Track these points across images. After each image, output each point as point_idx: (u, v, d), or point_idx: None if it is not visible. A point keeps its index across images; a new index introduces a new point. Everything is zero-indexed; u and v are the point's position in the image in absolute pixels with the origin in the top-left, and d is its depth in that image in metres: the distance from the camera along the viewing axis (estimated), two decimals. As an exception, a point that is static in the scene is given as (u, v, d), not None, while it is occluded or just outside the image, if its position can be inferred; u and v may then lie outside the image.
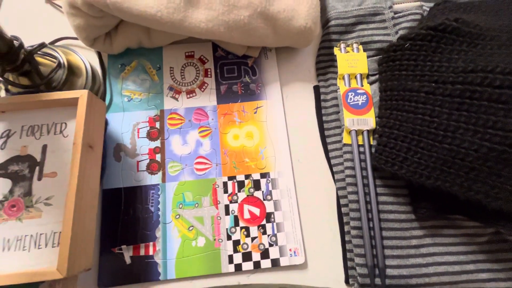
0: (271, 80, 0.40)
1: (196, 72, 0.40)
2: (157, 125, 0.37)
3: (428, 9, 0.38)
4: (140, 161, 0.36)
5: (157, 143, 0.37)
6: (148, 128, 0.37)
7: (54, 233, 0.26)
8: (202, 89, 0.39)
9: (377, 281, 0.31)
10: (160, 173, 0.35)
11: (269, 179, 0.36)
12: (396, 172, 0.31)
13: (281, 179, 0.36)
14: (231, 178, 0.36)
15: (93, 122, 0.29)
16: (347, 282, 0.33)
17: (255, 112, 0.38)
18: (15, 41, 0.30)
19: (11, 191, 0.27)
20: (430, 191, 0.31)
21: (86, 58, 0.39)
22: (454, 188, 0.28)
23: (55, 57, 0.35)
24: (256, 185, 0.35)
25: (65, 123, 0.29)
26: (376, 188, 0.34)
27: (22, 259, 0.25)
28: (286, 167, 0.36)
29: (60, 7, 0.42)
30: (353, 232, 0.32)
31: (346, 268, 0.33)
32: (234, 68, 0.40)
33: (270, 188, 0.35)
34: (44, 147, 0.29)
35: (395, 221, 0.33)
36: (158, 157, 0.36)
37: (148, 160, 0.36)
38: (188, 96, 0.39)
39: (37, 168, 0.28)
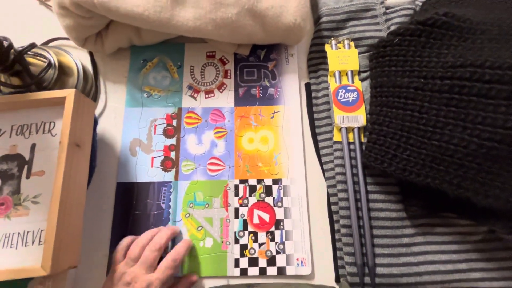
0: (290, 86, 0.39)
1: (216, 73, 0.40)
2: (174, 123, 0.37)
3: (421, 3, 0.38)
4: (155, 157, 0.36)
5: (173, 141, 0.37)
6: (165, 125, 0.37)
7: (41, 230, 0.26)
8: (221, 90, 0.39)
9: (367, 280, 0.31)
10: (173, 171, 0.36)
11: (281, 185, 0.35)
12: (385, 169, 0.31)
13: (293, 187, 0.35)
14: (243, 181, 0.35)
15: (81, 121, 0.29)
16: (337, 281, 0.32)
17: (272, 117, 0.38)
18: (4, 42, 0.30)
19: (0, 190, 0.28)
20: (421, 189, 0.30)
21: (80, 59, 0.39)
22: (444, 185, 0.27)
23: (46, 57, 0.35)
24: (268, 190, 0.35)
25: (54, 122, 0.30)
26: (366, 186, 0.34)
27: (9, 256, 0.25)
28: (299, 175, 0.36)
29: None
30: (343, 230, 0.32)
31: (336, 266, 0.33)
32: (254, 71, 0.40)
33: (281, 195, 0.35)
34: (33, 146, 0.29)
35: (386, 219, 0.33)
36: (172, 154, 0.36)
37: (163, 157, 0.36)
38: (207, 96, 0.39)
39: (26, 166, 0.28)
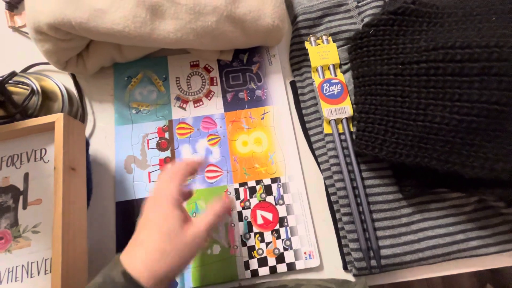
0: (276, 86, 0.40)
1: (202, 81, 0.40)
2: (166, 135, 0.38)
3: (389, -6, 0.40)
4: (151, 172, 0.36)
5: (167, 153, 0.37)
6: (158, 138, 0.37)
7: (45, 259, 0.26)
8: (209, 98, 0.39)
9: (373, 262, 0.32)
10: None
11: (280, 183, 0.36)
12: (377, 154, 0.32)
13: (292, 183, 0.36)
14: (242, 184, 0.36)
15: (73, 144, 0.29)
16: (345, 268, 0.33)
17: (263, 118, 0.38)
18: (-17, 74, 0.29)
19: (-4, 224, 0.27)
20: (412, 169, 0.31)
21: (62, 82, 0.39)
22: (433, 162, 0.29)
23: (27, 85, 0.35)
24: (268, 190, 0.36)
25: (45, 149, 0.29)
26: (361, 173, 0.35)
27: (15, 290, 0.25)
28: (296, 171, 0.36)
29: (28, 33, 0.41)
30: (344, 218, 0.33)
31: (342, 255, 0.34)
32: (239, 76, 0.40)
33: (281, 193, 0.36)
34: (26, 175, 0.29)
35: (383, 202, 0.34)
36: None
37: (160, 170, 0.36)
38: (196, 105, 0.39)
39: (21, 197, 0.28)
